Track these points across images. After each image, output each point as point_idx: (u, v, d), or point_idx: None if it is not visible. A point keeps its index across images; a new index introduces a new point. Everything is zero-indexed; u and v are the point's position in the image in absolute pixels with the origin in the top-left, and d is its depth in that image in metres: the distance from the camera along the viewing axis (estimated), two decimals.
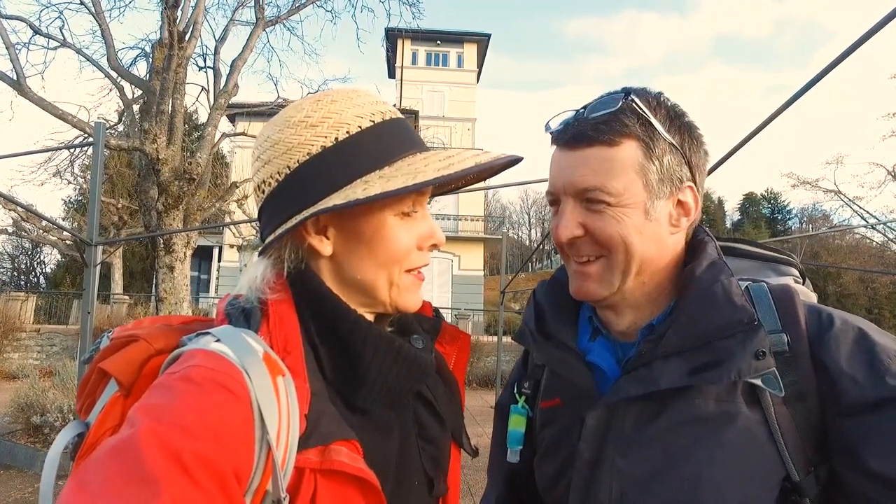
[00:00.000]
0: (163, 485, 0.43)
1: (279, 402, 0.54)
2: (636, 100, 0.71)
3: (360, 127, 0.66)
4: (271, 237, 0.65)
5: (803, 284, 0.81)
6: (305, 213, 0.62)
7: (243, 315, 0.64)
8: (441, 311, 0.85)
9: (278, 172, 0.66)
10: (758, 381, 0.65)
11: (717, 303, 0.68)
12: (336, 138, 0.65)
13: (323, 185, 0.64)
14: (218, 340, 0.57)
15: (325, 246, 0.67)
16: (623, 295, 0.75)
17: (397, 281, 0.69)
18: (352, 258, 0.68)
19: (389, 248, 0.67)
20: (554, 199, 0.77)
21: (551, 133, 0.77)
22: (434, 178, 0.62)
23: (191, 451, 0.46)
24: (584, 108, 0.75)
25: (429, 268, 0.76)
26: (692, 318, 0.69)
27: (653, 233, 0.72)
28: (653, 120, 0.71)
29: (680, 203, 0.74)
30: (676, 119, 0.73)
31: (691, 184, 0.74)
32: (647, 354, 0.71)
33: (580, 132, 0.72)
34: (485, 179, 0.81)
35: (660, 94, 0.75)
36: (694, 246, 0.77)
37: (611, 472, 0.71)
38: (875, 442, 0.60)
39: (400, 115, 0.71)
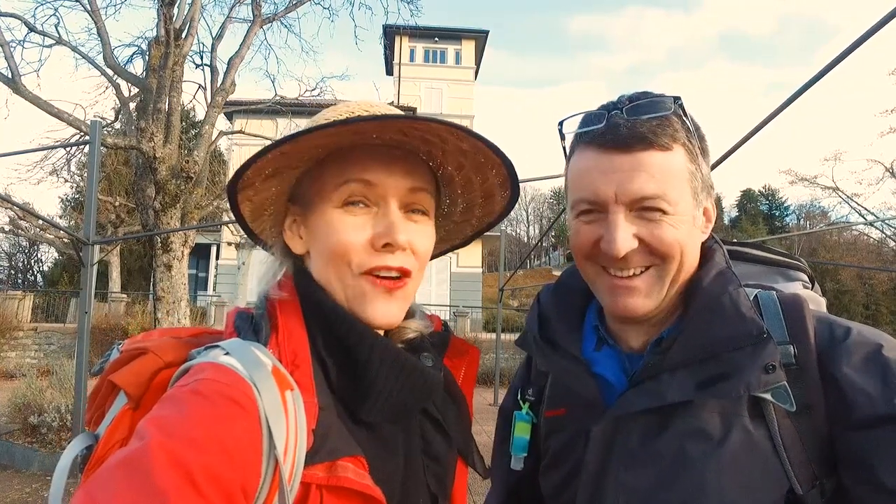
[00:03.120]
0: (172, 499, 0.43)
1: (287, 417, 0.54)
2: (684, 105, 0.69)
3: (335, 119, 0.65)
4: (229, 221, 0.67)
5: (812, 289, 0.79)
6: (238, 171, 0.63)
7: (252, 328, 0.64)
8: (439, 308, 0.83)
9: None
10: (767, 396, 0.64)
11: (724, 314, 0.67)
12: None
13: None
14: (227, 354, 0.57)
15: (297, 244, 0.68)
16: (660, 308, 0.71)
17: (352, 284, 0.65)
18: (313, 256, 0.68)
19: (330, 241, 0.64)
20: (592, 209, 0.70)
21: (584, 132, 0.70)
22: (352, 119, 0.59)
23: (200, 465, 0.46)
24: (619, 107, 0.68)
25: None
26: (699, 329, 0.67)
27: (696, 241, 0.71)
28: (691, 127, 0.70)
29: (705, 211, 0.73)
30: (698, 127, 0.72)
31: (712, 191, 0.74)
32: (654, 367, 0.70)
33: (636, 133, 0.65)
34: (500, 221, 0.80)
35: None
36: (702, 254, 0.75)
37: (615, 486, 0.70)
38: (888, 456, 0.59)
39: (390, 113, 0.66)
